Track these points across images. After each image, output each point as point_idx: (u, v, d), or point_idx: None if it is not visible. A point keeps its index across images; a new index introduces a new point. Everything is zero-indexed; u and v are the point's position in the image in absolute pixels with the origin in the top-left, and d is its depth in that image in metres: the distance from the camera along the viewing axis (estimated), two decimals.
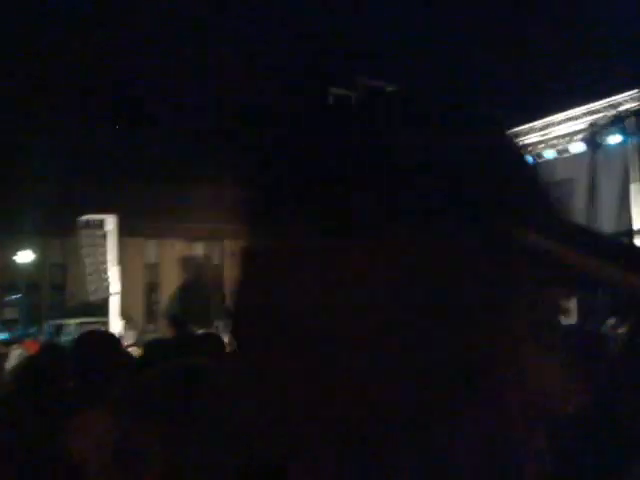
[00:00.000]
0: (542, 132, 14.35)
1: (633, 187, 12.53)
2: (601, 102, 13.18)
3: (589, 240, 0.54)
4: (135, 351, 7.40)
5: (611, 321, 10.09)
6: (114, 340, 2.93)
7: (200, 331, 7.10)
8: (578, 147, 13.62)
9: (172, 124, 27.88)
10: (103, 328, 13.45)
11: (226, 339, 5.42)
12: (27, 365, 3.07)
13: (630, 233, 12.63)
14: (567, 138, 13.82)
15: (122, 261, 19.57)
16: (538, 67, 20.45)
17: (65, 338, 16.62)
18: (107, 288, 17.53)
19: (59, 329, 20.88)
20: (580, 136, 13.53)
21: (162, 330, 23.46)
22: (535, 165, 0.68)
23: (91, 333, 3.06)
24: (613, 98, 12.98)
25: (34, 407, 2.73)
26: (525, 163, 0.62)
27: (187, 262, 29.79)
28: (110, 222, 17.91)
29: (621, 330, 7.10)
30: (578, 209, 13.71)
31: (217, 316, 22.81)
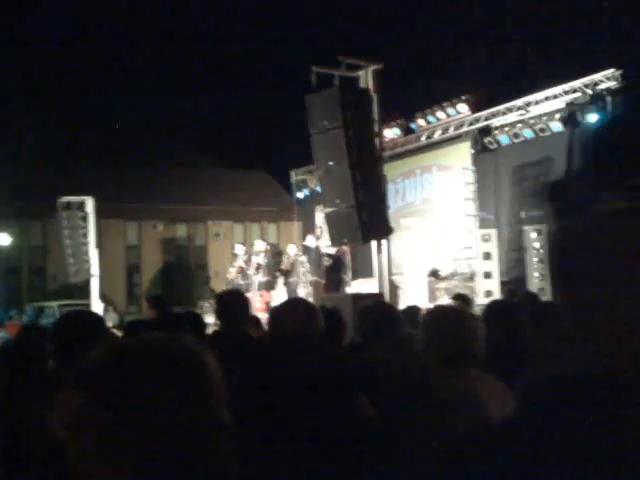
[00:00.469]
0: (521, 111, 14.41)
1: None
2: (579, 81, 13.25)
3: None
4: (117, 333, 7.43)
5: None
6: (97, 320, 2.96)
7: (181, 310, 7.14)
8: (557, 126, 13.70)
9: (154, 105, 27.59)
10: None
11: (209, 319, 5.46)
12: (7, 347, 3.09)
13: None
14: (546, 117, 13.88)
15: (102, 243, 19.49)
16: (517, 47, 20.48)
17: (46, 320, 16.57)
18: (88, 270, 17.45)
19: (40, 311, 20.80)
20: (559, 115, 13.60)
21: (144, 312, 23.38)
22: None
23: (74, 313, 3.07)
24: (591, 77, 13.05)
25: (15, 389, 2.75)
26: None
27: (168, 244, 29.66)
28: (90, 204, 17.78)
29: None
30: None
31: (201, 297, 22.83)
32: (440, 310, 2.93)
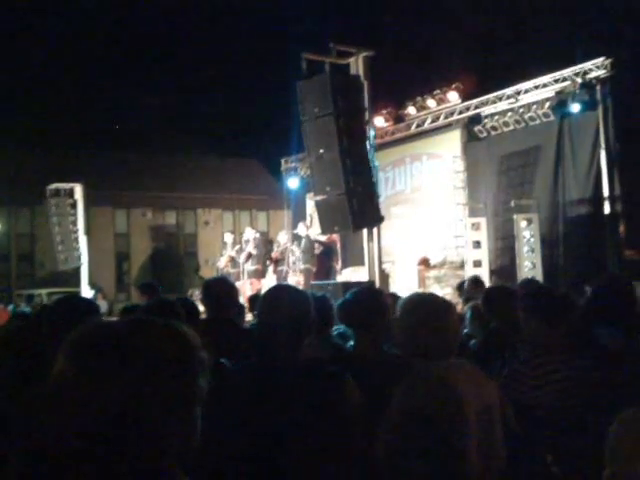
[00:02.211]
0: (510, 100, 14.42)
1: (602, 154, 12.69)
2: (569, 69, 13.26)
3: None
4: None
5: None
6: (91, 305, 2.95)
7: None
8: (546, 115, 13.72)
9: (144, 94, 27.43)
10: None
11: (200, 307, 5.46)
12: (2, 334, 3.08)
13: (599, 199, 12.83)
14: (535, 106, 13.90)
15: (92, 231, 19.42)
16: (507, 35, 20.47)
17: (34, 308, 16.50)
18: (77, 258, 17.39)
19: (28, 299, 20.71)
20: (548, 104, 13.62)
21: (133, 299, 23.35)
22: None
23: (68, 298, 3.07)
24: (581, 66, 13.07)
25: (7, 375, 2.75)
26: None
27: (158, 231, 29.60)
28: (79, 191, 17.70)
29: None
30: (545, 176, 13.87)
31: (191, 285, 22.81)
32: (416, 299, 2.89)
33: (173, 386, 1.13)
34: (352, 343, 3.55)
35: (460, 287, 8.21)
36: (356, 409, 2.53)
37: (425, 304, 2.78)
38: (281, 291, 2.80)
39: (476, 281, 7.29)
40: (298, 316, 2.58)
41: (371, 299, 3.38)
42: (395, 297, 5.44)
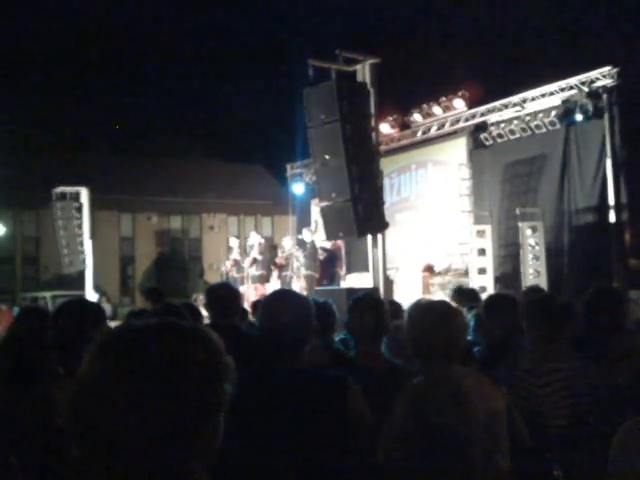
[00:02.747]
0: (516, 108, 14.42)
1: (608, 163, 12.68)
2: (576, 78, 13.26)
3: None
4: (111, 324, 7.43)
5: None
6: (97, 309, 2.95)
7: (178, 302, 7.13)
8: (552, 123, 13.72)
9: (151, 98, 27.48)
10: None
11: (203, 312, 5.46)
12: (9, 337, 3.09)
13: (605, 208, 12.81)
14: (541, 114, 13.90)
15: (97, 234, 19.44)
16: (514, 43, 20.48)
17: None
18: (83, 261, 17.42)
19: (33, 302, 20.75)
20: (554, 112, 13.62)
21: (137, 303, 23.38)
22: None
23: (74, 301, 3.07)
24: (587, 74, 13.07)
25: (14, 377, 2.76)
26: None
27: (163, 236, 29.62)
28: (85, 194, 17.74)
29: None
30: (551, 184, 13.86)
31: (195, 289, 22.82)
32: (424, 305, 2.89)
33: (199, 389, 1.14)
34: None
35: (458, 293, 8.15)
36: (360, 412, 2.53)
37: (432, 309, 2.79)
38: (282, 296, 2.78)
39: (460, 290, 7.24)
40: (299, 321, 2.57)
41: (372, 307, 3.38)
42: (397, 305, 5.42)
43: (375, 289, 9.86)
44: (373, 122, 10.48)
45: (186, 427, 1.12)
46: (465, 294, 6.84)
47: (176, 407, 1.10)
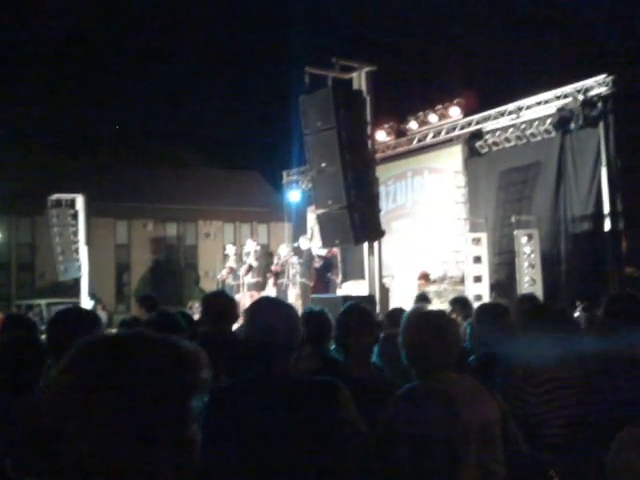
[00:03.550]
0: (511, 116, 14.47)
1: (603, 171, 12.71)
2: (571, 86, 13.31)
3: None
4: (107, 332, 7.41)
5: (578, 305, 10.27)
6: (93, 317, 2.95)
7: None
8: (547, 131, 13.76)
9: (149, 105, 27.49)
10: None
11: (196, 316, 5.46)
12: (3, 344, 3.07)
13: (600, 216, 12.84)
14: (536, 122, 13.95)
15: (92, 241, 19.42)
16: (509, 51, 20.57)
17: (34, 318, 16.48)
18: (78, 268, 17.38)
19: (28, 309, 20.71)
20: (549, 120, 13.67)
21: (132, 311, 23.30)
22: None
23: (70, 310, 3.06)
24: (582, 82, 13.12)
25: (9, 385, 2.75)
26: None
27: (158, 243, 29.60)
28: (80, 201, 17.71)
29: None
30: (546, 192, 13.89)
31: (191, 296, 22.81)
32: (419, 314, 2.90)
33: (161, 403, 1.12)
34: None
35: (454, 303, 8.18)
36: (351, 416, 2.52)
37: (427, 318, 2.80)
38: (266, 304, 2.76)
39: (454, 300, 7.34)
40: (283, 329, 2.55)
41: (359, 318, 3.38)
42: (401, 311, 5.43)
43: (371, 297, 9.87)
44: (369, 129, 10.50)
45: (148, 440, 1.10)
46: (459, 303, 6.89)
47: (134, 416, 1.09)
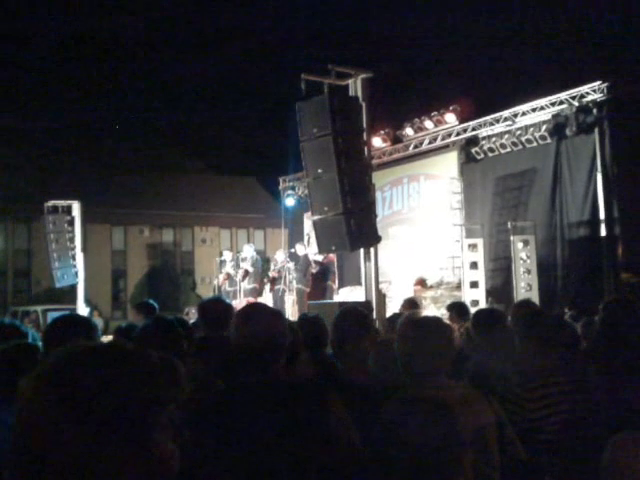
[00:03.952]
0: (507, 122, 14.51)
1: (599, 177, 12.75)
2: (566, 93, 13.36)
3: None
4: (103, 338, 7.40)
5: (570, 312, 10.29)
6: (90, 324, 2.95)
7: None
8: (542, 137, 13.81)
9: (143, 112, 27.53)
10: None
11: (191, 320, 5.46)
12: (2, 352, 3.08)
13: (596, 222, 12.88)
14: (532, 128, 13.99)
15: (89, 248, 19.41)
16: (505, 58, 20.64)
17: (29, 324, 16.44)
18: (74, 274, 17.35)
19: (24, 315, 20.66)
20: (545, 126, 13.71)
21: (129, 317, 23.27)
22: None
23: (66, 317, 3.06)
24: (577, 89, 13.17)
25: (6, 394, 2.75)
26: None
27: (155, 249, 29.57)
28: (77, 208, 17.70)
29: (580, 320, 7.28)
30: (541, 198, 13.92)
31: (187, 302, 22.79)
32: (414, 321, 2.91)
33: (124, 416, 1.11)
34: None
35: (452, 308, 8.20)
36: (341, 422, 2.52)
37: (422, 324, 2.81)
38: (251, 311, 2.73)
39: (451, 305, 7.38)
40: (269, 335, 2.54)
41: (355, 322, 3.38)
42: (400, 317, 5.44)
43: (367, 303, 9.86)
44: (365, 136, 10.52)
45: (105, 453, 1.10)
46: (457, 308, 6.91)
47: (98, 433, 1.09)
